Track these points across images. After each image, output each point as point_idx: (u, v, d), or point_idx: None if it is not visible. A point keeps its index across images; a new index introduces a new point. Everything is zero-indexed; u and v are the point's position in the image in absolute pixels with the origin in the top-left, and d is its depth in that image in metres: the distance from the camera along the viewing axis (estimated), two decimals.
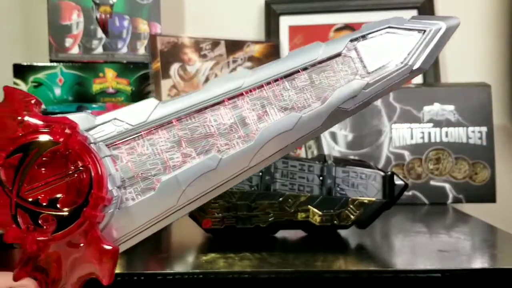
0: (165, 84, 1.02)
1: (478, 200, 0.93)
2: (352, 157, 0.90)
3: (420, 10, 1.09)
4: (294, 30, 1.12)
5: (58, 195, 0.26)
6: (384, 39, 0.32)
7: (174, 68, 1.04)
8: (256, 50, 1.10)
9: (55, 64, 0.99)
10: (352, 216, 0.59)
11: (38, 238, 0.25)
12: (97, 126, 0.29)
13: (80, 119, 0.28)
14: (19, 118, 0.26)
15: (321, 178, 0.59)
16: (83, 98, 0.99)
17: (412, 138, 0.94)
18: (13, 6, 1.17)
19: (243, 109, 0.31)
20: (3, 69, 1.04)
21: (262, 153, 0.30)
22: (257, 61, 1.09)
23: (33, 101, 0.27)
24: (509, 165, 1.10)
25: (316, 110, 0.31)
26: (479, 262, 0.55)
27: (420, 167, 0.94)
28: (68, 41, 1.02)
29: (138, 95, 1.01)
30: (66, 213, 0.26)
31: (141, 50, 1.04)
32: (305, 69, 0.31)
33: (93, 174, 0.26)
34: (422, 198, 0.93)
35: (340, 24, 1.11)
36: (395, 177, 0.60)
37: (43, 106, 0.96)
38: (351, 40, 0.32)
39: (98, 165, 0.26)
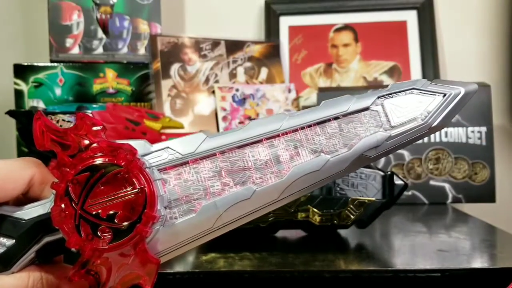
0: (165, 84, 1.02)
1: (478, 200, 0.93)
2: None
3: (419, 11, 1.09)
4: (294, 30, 1.13)
5: (116, 211, 0.30)
6: (409, 98, 0.36)
7: (174, 68, 1.04)
8: (256, 50, 1.10)
9: (55, 64, 0.99)
10: (352, 216, 0.59)
11: (95, 247, 0.29)
12: (152, 152, 0.33)
13: (139, 146, 0.32)
14: (88, 142, 0.31)
15: None
16: (83, 98, 0.99)
17: None
18: (14, 6, 1.17)
19: (278, 149, 0.34)
20: (3, 69, 1.04)
21: (291, 189, 0.34)
22: (257, 61, 1.10)
23: (100, 127, 0.31)
24: (508, 165, 1.11)
25: (342, 155, 0.34)
26: (479, 262, 0.55)
27: (420, 167, 0.94)
28: (69, 41, 1.02)
29: (138, 95, 1.01)
30: (122, 227, 0.30)
31: (142, 50, 1.05)
32: (336, 118, 0.35)
33: (147, 195, 0.30)
34: (422, 198, 0.93)
35: (340, 24, 1.12)
36: (394, 177, 0.61)
37: (43, 106, 0.96)
38: (379, 97, 0.36)
39: (152, 188, 0.30)
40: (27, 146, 0.81)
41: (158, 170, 0.32)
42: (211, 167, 0.33)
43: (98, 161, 0.30)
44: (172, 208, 0.32)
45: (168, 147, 0.33)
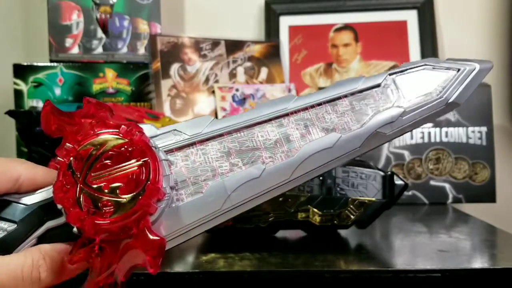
0: (165, 84, 1.02)
1: (478, 200, 0.93)
2: None
3: (419, 11, 1.09)
4: (294, 30, 1.13)
5: (119, 184, 0.29)
6: (421, 74, 0.35)
7: (174, 68, 1.04)
8: (256, 50, 1.10)
9: (55, 64, 0.99)
10: (352, 216, 0.59)
11: (96, 221, 0.28)
12: (158, 135, 0.32)
13: (145, 128, 0.31)
14: (94, 120, 0.30)
15: (321, 178, 0.59)
16: (83, 98, 0.98)
17: (412, 138, 0.94)
18: (13, 6, 1.17)
19: (288, 128, 0.33)
20: (3, 69, 1.04)
21: (303, 168, 0.33)
22: (257, 61, 1.10)
23: (107, 108, 0.31)
24: (509, 165, 1.10)
25: (355, 132, 0.34)
26: (479, 262, 0.55)
27: (420, 167, 0.94)
28: (68, 41, 1.02)
29: (138, 95, 1.01)
30: (124, 199, 0.29)
31: (141, 50, 1.04)
32: (346, 96, 0.34)
33: (151, 168, 0.29)
34: (422, 198, 0.93)
35: (340, 24, 1.12)
36: (395, 177, 0.60)
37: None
38: (390, 74, 0.35)
39: (156, 161, 0.30)
40: (26, 146, 0.81)
41: (164, 151, 0.32)
42: (219, 148, 0.33)
43: (102, 136, 0.30)
44: (178, 190, 0.31)
45: (175, 129, 0.33)
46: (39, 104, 0.97)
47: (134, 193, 0.29)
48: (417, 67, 0.35)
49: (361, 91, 0.34)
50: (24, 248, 0.30)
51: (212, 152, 0.32)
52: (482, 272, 0.50)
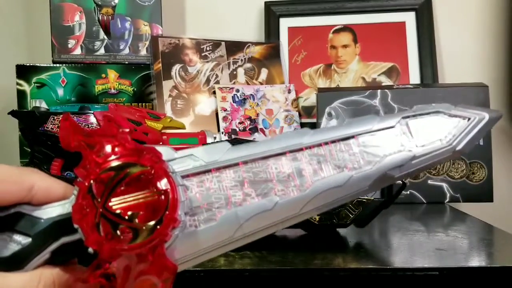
0: (167, 85, 1.03)
1: (475, 199, 0.94)
2: None
3: (417, 12, 1.10)
4: (293, 32, 1.13)
5: (137, 212, 0.29)
6: (433, 120, 0.36)
7: (175, 69, 1.04)
8: (256, 51, 1.11)
9: (57, 65, 1.00)
10: (351, 215, 0.59)
11: (114, 247, 0.29)
12: (176, 159, 0.32)
13: (163, 151, 0.32)
14: (115, 143, 0.30)
15: None
16: (85, 98, 0.99)
17: None
18: (16, 7, 1.17)
19: (302, 162, 0.34)
20: (6, 70, 1.05)
21: (313, 203, 0.34)
22: (257, 62, 1.10)
23: (127, 130, 0.31)
24: (506, 165, 1.11)
25: (365, 172, 0.34)
26: (476, 261, 0.55)
27: None
28: (71, 42, 1.03)
29: (139, 96, 1.02)
30: (143, 228, 0.29)
31: (143, 51, 1.05)
32: (360, 135, 0.35)
33: (170, 198, 0.30)
34: (420, 197, 0.94)
35: (339, 26, 1.12)
36: None
37: (46, 107, 0.97)
38: (404, 117, 0.36)
39: (175, 191, 0.30)
40: (29, 146, 0.82)
41: (181, 176, 0.32)
42: (233, 177, 0.33)
43: (123, 161, 0.30)
44: (192, 216, 0.32)
45: (192, 154, 0.33)
46: (42, 105, 0.97)
47: (154, 222, 0.29)
48: (430, 113, 0.36)
49: (375, 131, 0.35)
50: (37, 262, 0.30)
51: (226, 181, 0.33)
52: (479, 271, 0.50)
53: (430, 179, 0.94)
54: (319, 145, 0.34)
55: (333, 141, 0.35)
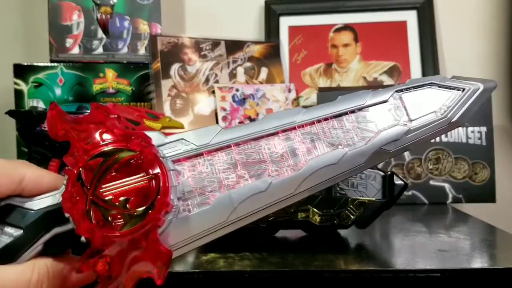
0: (165, 84, 1.02)
1: (478, 200, 0.93)
2: None
3: (419, 11, 1.09)
4: (293, 31, 1.13)
5: (128, 197, 0.29)
6: (427, 93, 0.35)
7: (174, 68, 1.04)
8: (256, 50, 1.10)
9: (55, 64, 0.99)
10: (352, 216, 0.59)
11: (105, 234, 0.28)
12: (166, 143, 0.32)
13: (153, 136, 0.31)
14: (103, 129, 0.30)
15: None
16: (83, 98, 0.99)
17: None
18: (14, 6, 1.17)
19: (295, 141, 0.34)
20: (3, 69, 1.04)
21: (308, 182, 0.33)
22: (257, 61, 1.10)
23: (115, 116, 0.31)
24: (508, 165, 1.11)
25: (360, 149, 0.34)
26: (479, 262, 0.55)
27: (420, 167, 0.94)
28: (69, 41, 1.02)
29: (138, 95, 1.01)
30: (134, 213, 0.29)
31: (142, 50, 1.05)
32: (353, 112, 0.35)
33: (161, 182, 0.29)
34: (422, 198, 0.93)
35: (339, 25, 1.12)
36: (394, 177, 0.60)
37: (43, 106, 0.96)
38: (397, 91, 0.35)
39: (165, 175, 0.30)
40: (27, 146, 0.81)
41: (172, 161, 0.31)
42: (225, 159, 0.33)
43: (112, 147, 0.29)
44: (185, 200, 0.31)
45: (182, 139, 0.33)
46: (40, 104, 0.97)
47: (145, 207, 0.29)
48: (423, 85, 0.35)
49: (367, 106, 0.35)
50: (30, 254, 0.30)
51: (219, 163, 0.33)
52: (481, 272, 0.50)
53: (432, 180, 0.93)
54: (312, 123, 0.34)
55: (326, 119, 0.34)
